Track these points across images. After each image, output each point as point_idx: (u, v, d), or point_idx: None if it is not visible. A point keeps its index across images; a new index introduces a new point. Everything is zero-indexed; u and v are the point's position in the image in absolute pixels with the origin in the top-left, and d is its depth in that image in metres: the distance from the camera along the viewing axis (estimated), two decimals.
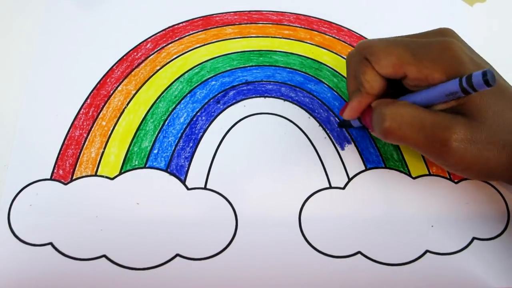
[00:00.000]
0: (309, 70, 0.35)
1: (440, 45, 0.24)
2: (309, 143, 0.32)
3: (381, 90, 0.26)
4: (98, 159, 0.30)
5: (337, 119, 0.32)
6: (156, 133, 0.31)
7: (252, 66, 0.35)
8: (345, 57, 0.35)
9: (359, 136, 0.32)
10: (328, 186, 0.30)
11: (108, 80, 0.33)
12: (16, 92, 0.32)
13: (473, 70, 0.23)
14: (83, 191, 0.29)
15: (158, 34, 0.36)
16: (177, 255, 0.27)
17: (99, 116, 0.32)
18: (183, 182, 0.30)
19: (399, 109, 0.24)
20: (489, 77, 0.21)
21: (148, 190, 0.29)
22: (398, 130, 0.24)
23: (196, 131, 0.32)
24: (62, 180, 0.29)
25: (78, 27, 0.36)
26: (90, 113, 0.32)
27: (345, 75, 0.34)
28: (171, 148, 0.31)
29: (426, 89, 0.25)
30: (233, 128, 0.32)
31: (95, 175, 0.29)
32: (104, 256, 0.27)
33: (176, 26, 0.36)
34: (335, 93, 0.34)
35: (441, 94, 0.23)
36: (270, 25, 0.37)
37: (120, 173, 0.30)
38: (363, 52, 0.26)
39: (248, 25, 0.37)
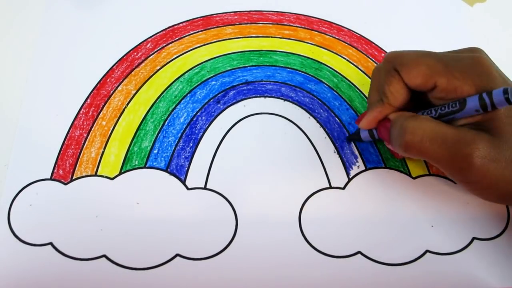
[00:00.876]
0: (309, 70, 0.35)
1: (471, 59, 0.24)
2: (309, 143, 0.32)
3: (403, 103, 0.26)
4: (98, 159, 0.30)
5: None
6: (156, 133, 0.31)
7: (252, 66, 0.35)
8: (345, 57, 0.36)
9: None
10: (328, 186, 0.30)
11: (108, 80, 0.33)
12: (16, 92, 0.32)
13: (502, 86, 0.23)
14: (83, 191, 0.29)
15: (158, 34, 0.36)
16: (177, 255, 0.27)
17: (99, 116, 0.32)
18: (183, 182, 0.30)
19: (421, 123, 0.24)
20: (510, 94, 0.21)
21: (148, 190, 0.29)
22: (419, 144, 0.24)
23: (196, 131, 0.32)
24: (62, 180, 0.29)
25: (78, 27, 0.36)
26: (90, 113, 0.32)
27: (345, 76, 0.35)
28: (171, 148, 0.31)
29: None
30: (233, 128, 0.32)
31: (95, 175, 0.29)
32: (104, 256, 0.27)
33: (176, 26, 0.36)
34: (335, 93, 0.34)
35: (468, 109, 0.23)
36: (270, 25, 0.37)
37: (120, 173, 0.30)
38: (393, 62, 0.26)
39: (248, 25, 0.37)
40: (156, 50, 0.35)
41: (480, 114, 0.23)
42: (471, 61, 0.24)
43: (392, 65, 0.26)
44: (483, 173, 0.23)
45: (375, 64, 0.35)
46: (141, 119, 0.32)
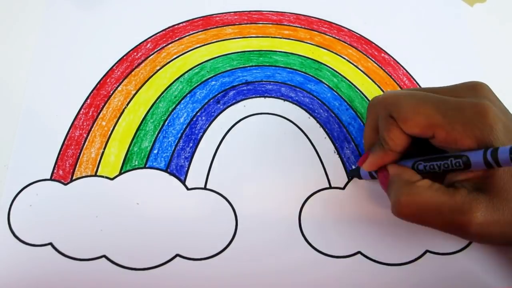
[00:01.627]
0: (309, 70, 0.35)
1: (474, 109, 0.23)
2: (309, 143, 0.32)
3: (404, 148, 0.25)
4: (98, 159, 0.30)
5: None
6: (156, 133, 0.31)
7: (252, 66, 0.35)
8: (345, 57, 0.36)
9: (359, 136, 0.32)
10: (328, 186, 0.30)
11: (108, 80, 0.33)
12: (16, 92, 0.32)
13: (505, 141, 0.22)
14: (83, 191, 0.29)
15: (158, 34, 0.36)
16: (177, 255, 0.27)
17: (99, 116, 0.32)
18: (183, 182, 0.30)
19: (415, 196, 0.24)
20: None
21: (148, 190, 0.29)
22: (413, 216, 0.24)
23: (196, 131, 0.32)
24: (62, 180, 0.29)
25: (78, 27, 0.36)
26: (90, 113, 0.32)
27: (345, 76, 0.35)
28: (171, 148, 0.31)
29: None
30: (233, 128, 0.32)
31: (95, 175, 0.29)
32: (104, 256, 0.27)
33: (176, 26, 0.36)
34: (335, 93, 0.34)
35: (473, 168, 0.23)
36: (270, 25, 0.37)
37: (120, 173, 0.30)
38: (389, 109, 0.25)
39: (248, 25, 0.37)
40: (156, 50, 0.35)
41: (483, 169, 0.23)
42: (474, 111, 0.23)
43: (388, 112, 0.25)
44: (482, 235, 0.23)
45: (375, 64, 0.35)
46: (141, 119, 0.32)
